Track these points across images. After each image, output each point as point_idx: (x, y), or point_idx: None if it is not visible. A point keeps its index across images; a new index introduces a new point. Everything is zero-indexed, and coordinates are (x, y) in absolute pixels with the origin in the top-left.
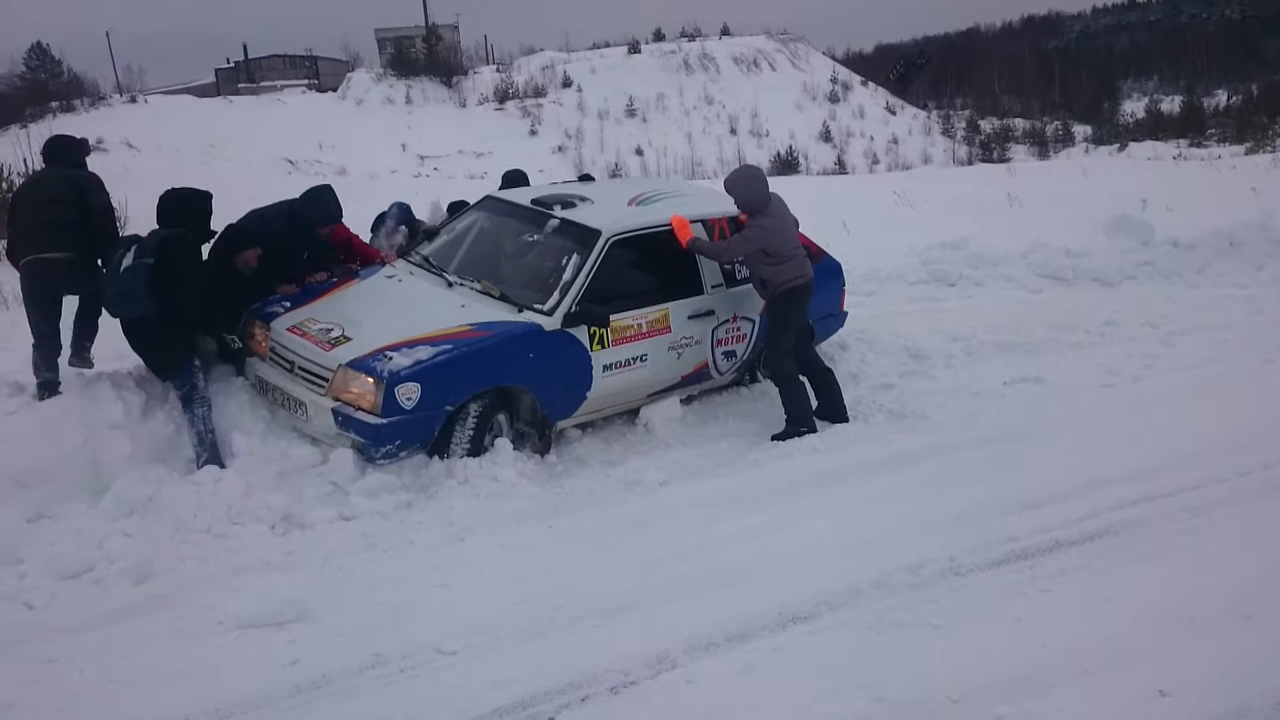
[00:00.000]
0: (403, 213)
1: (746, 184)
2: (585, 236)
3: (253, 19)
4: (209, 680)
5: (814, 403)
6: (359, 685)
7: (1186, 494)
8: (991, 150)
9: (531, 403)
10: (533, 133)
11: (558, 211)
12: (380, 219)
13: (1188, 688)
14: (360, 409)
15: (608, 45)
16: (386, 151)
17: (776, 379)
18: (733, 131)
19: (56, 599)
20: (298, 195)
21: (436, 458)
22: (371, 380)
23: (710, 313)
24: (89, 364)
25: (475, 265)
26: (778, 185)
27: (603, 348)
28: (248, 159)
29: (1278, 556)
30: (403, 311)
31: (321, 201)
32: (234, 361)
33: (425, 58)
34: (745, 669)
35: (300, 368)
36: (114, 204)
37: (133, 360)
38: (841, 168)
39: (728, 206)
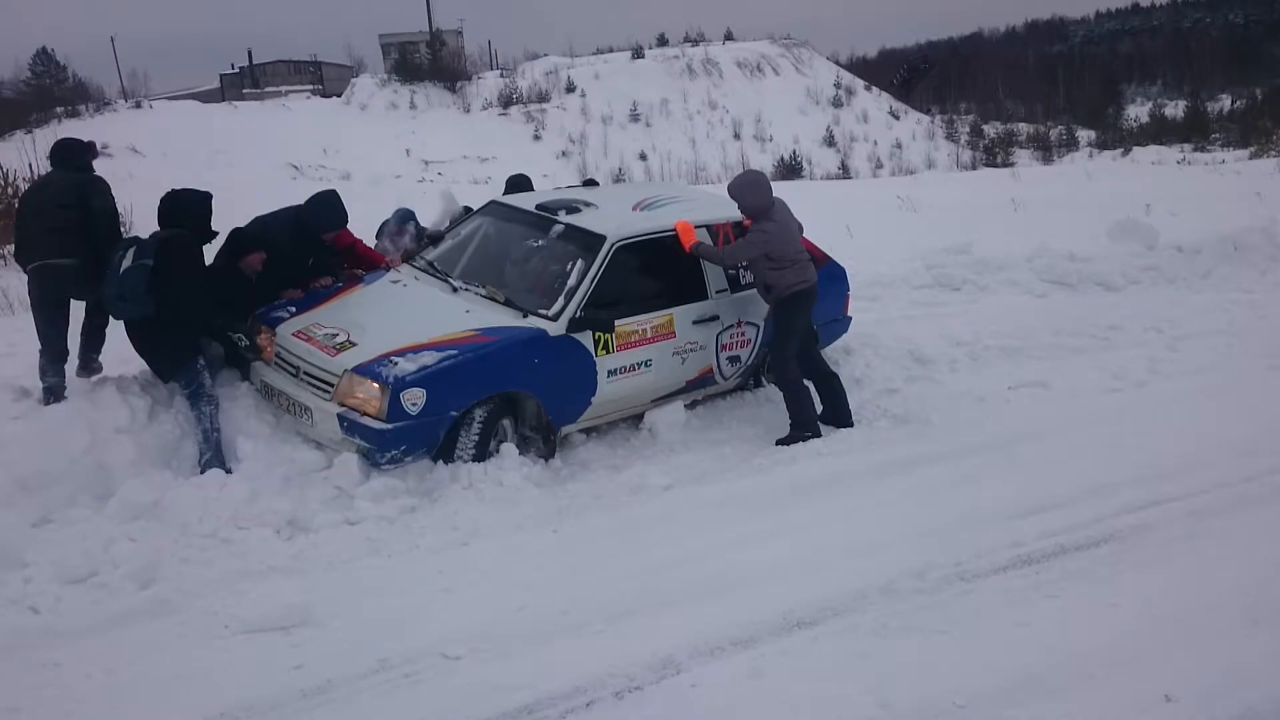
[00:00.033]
0: (406, 218)
1: (750, 189)
2: (590, 242)
3: (257, 25)
4: (214, 685)
5: (819, 407)
6: (363, 690)
7: (1192, 499)
8: (995, 155)
9: (536, 408)
10: (536, 137)
11: (562, 217)
12: (386, 225)
13: (1193, 693)
14: (365, 414)
15: (611, 50)
16: (390, 156)
17: (781, 383)
18: (736, 136)
19: (62, 603)
20: (303, 201)
21: (441, 462)
22: (377, 385)
23: (715, 318)
24: (97, 372)
25: (480, 270)
26: (781, 190)
27: (607, 353)
28: (252, 164)
29: None
30: (408, 316)
31: (327, 207)
32: (240, 367)
33: (429, 63)
34: (750, 674)
35: (305, 373)
36: (119, 209)
37: (138, 365)
38: (845, 172)
39: (732, 212)
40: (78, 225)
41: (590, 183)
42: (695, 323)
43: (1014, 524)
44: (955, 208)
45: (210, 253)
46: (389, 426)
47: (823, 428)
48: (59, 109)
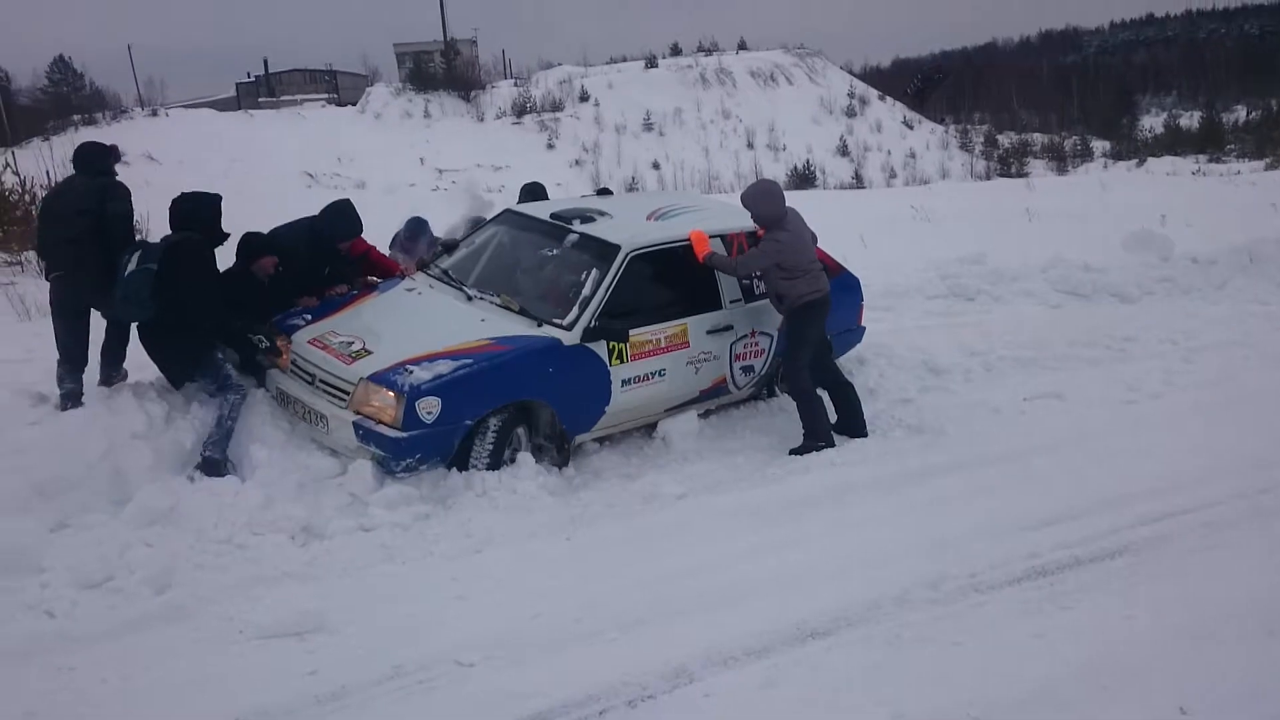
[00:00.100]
0: (417, 227)
1: (763, 198)
2: (605, 251)
3: (274, 34)
4: (228, 690)
5: (833, 417)
6: (377, 696)
7: (1207, 511)
8: (1010, 165)
9: (550, 417)
10: (550, 146)
11: (577, 226)
12: (397, 236)
13: (1208, 706)
14: (381, 422)
15: (625, 60)
16: (405, 165)
17: (794, 393)
18: (749, 145)
19: (78, 608)
20: (318, 211)
21: (455, 470)
22: (392, 394)
23: (729, 328)
24: (119, 381)
25: (494, 279)
26: (794, 199)
27: (621, 362)
28: (268, 172)
29: None
30: (423, 325)
31: (342, 216)
32: (255, 374)
33: (443, 72)
34: (764, 684)
35: (321, 380)
36: (136, 215)
37: (155, 371)
38: (859, 182)
39: (746, 221)
40: (95, 233)
41: (604, 192)
42: (709, 332)
43: (1029, 535)
44: (969, 218)
45: (224, 256)
46: (404, 435)
47: (837, 438)
48: (76, 117)
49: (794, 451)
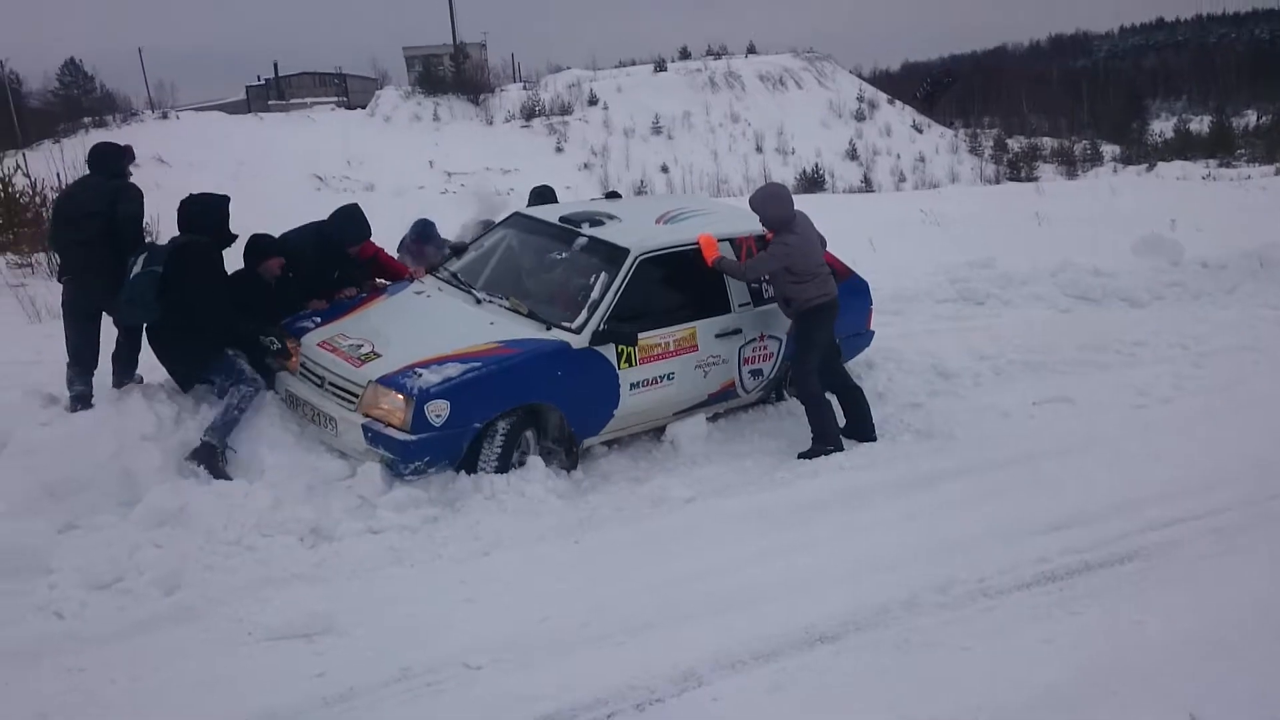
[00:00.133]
0: (423, 228)
1: (771, 201)
2: (614, 254)
3: (283, 37)
4: (237, 691)
5: (842, 421)
6: (386, 698)
7: (1217, 516)
8: (1019, 169)
9: (559, 420)
10: (559, 150)
11: (586, 229)
12: (404, 240)
13: (1218, 711)
14: (390, 425)
15: (634, 63)
16: (414, 168)
17: (803, 397)
18: (758, 149)
19: (87, 609)
20: (326, 216)
21: (464, 473)
22: (401, 397)
23: (737, 331)
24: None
25: (503, 282)
26: (804, 203)
27: (630, 366)
28: (277, 175)
29: None
30: (432, 328)
31: (351, 220)
32: (264, 376)
33: (453, 75)
34: (772, 688)
35: (330, 383)
36: (146, 217)
37: (165, 373)
38: (868, 185)
39: (755, 225)
40: (105, 236)
41: (613, 195)
42: (718, 336)
43: (1038, 540)
44: (979, 222)
45: (232, 258)
46: (413, 438)
47: (845, 441)
48: (86, 119)
49: (802, 455)
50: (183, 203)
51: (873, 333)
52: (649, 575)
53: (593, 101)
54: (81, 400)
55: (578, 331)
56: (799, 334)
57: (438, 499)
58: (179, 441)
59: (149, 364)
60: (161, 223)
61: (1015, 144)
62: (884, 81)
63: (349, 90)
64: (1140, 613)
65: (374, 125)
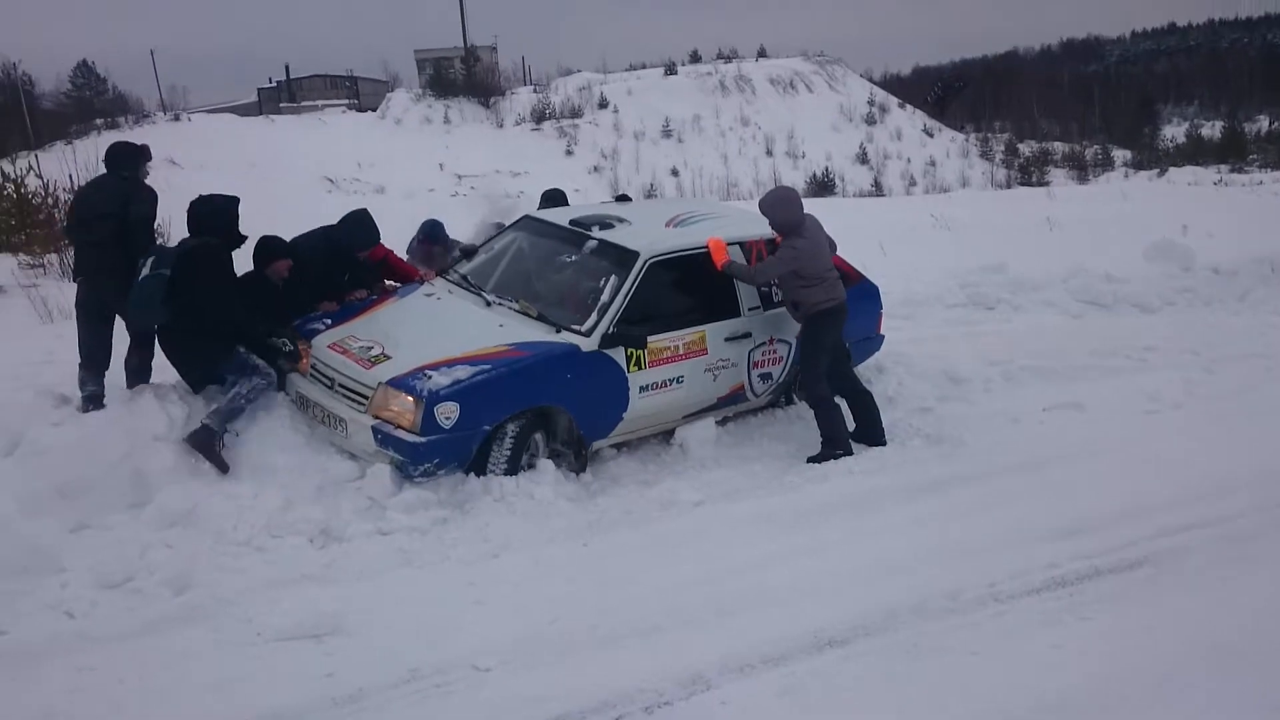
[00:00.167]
0: (431, 229)
1: (780, 205)
2: (623, 258)
3: (295, 40)
4: (246, 691)
5: (851, 425)
6: (394, 700)
7: (1229, 523)
8: (1030, 174)
9: (568, 422)
10: (569, 153)
11: (596, 232)
12: (411, 243)
13: (1229, 719)
14: (400, 427)
15: (644, 67)
16: (424, 170)
17: (811, 401)
18: (769, 153)
19: (97, 608)
20: (336, 219)
21: (473, 475)
22: (411, 399)
23: (747, 335)
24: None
25: (513, 285)
26: (814, 207)
27: (639, 369)
28: (288, 177)
29: None
30: (442, 330)
31: (360, 226)
32: (276, 377)
33: (463, 78)
34: (780, 692)
35: (340, 385)
36: (158, 219)
37: (176, 373)
38: (878, 189)
39: (765, 229)
40: (117, 238)
41: (623, 198)
42: (727, 340)
43: (1048, 545)
44: (990, 226)
45: (242, 259)
46: (423, 439)
47: (855, 446)
48: (99, 121)
49: (812, 459)
50: (192, 204)
51: (883, 337)
52: (658, 578)
53: (603, 105)
54: (93, 400)
55: (587, 334)
56: (807, 338)
57: (447, 501)
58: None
59: (160, 365)
60: (173, 224)
61: (1026, 148)
62: (895, 85)
63: (360, 93)
64: (1151, 619)
65: (385, 128)
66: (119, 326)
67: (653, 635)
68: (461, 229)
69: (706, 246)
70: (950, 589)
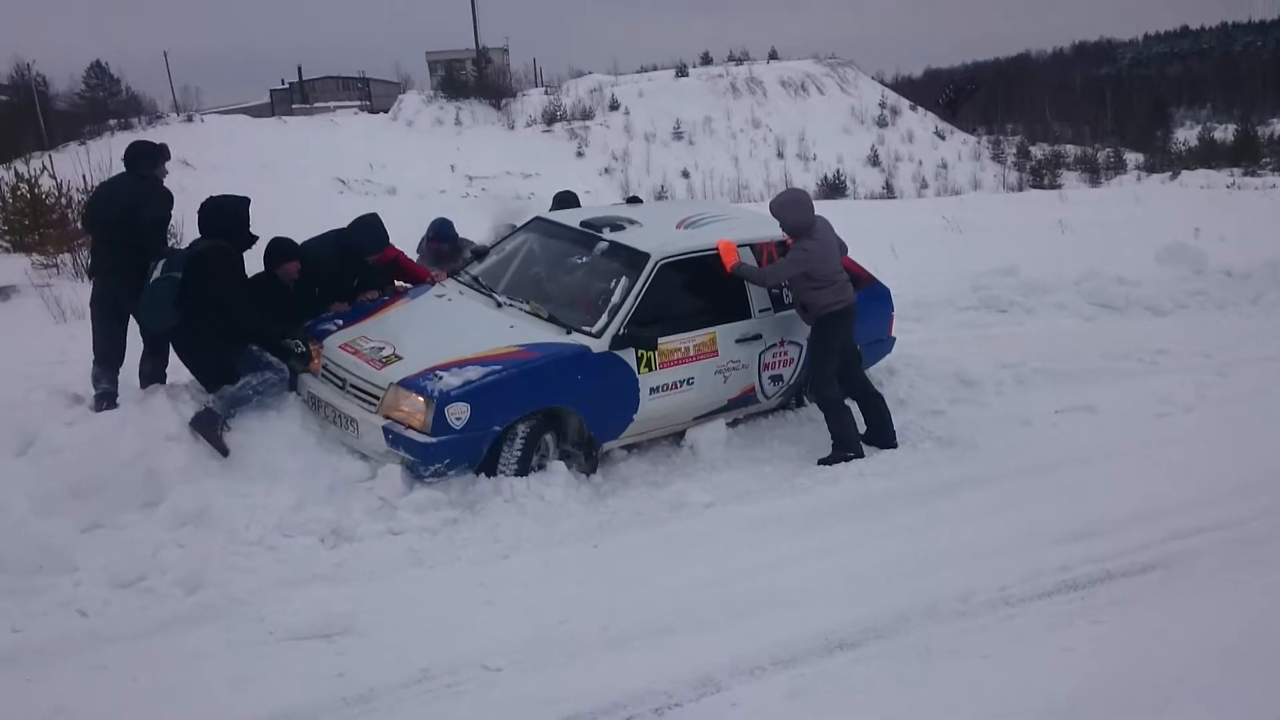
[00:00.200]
0: (441, 227)
1: (791, 207)
2: (634, 259)
3: (308, 42)
4: (258, 690)
5: (862, 428)
6: (405, 699)
7: (1241, 526)
8: (1042, 176)
9: (578, 424)
10: (579, 154)
11: (606, 234)
12: (421, 242)
13: None
14: (410, 427)
15: (655, 69)
16: (435, 172)
17: (821, 403)
18: (779, 155)
19: (110, 607)
20: (347, 222)
21: (483, 476)
22: (422, 399)
23: (758, 337)
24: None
25: (524, 286)
26: (825, 209)
27: (650, 370)
28: (300, 178)
29: None
30: (453, 331)
31: (369, 230)
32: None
33: (475, 80)
34: (790, 694)
35: (352, 385)
36: (172, 219)
37: (188, 373)
38: (890, 192)
39: (776, 231)
40: (128, 239)
41: (634, 200)
42: (738, 341)
43: (1060, 548)
44: (1001, 229)
45: (252, 260)
46: (433, 440)
47: (866, 448)
48: (112, 121)
49: (823, 461)
50: (203, 205)
51: (894, 339)
52: (668, 580)
53: (614, 106)
54: (107, 398)
55: (598, 335)
56: (815, 340)
57: (458, 501)
58: (203, 442)
59: (173, 366)
60: (185, 225)
61: (1038, 151)
62: (906, 88)
63: (372, 94)
64: (1162, 623)
65: (396, 129)
66: (133, 327)
67: (663, 637)
68: (472, 230)
69: (717, 248)
70: (961, 592)
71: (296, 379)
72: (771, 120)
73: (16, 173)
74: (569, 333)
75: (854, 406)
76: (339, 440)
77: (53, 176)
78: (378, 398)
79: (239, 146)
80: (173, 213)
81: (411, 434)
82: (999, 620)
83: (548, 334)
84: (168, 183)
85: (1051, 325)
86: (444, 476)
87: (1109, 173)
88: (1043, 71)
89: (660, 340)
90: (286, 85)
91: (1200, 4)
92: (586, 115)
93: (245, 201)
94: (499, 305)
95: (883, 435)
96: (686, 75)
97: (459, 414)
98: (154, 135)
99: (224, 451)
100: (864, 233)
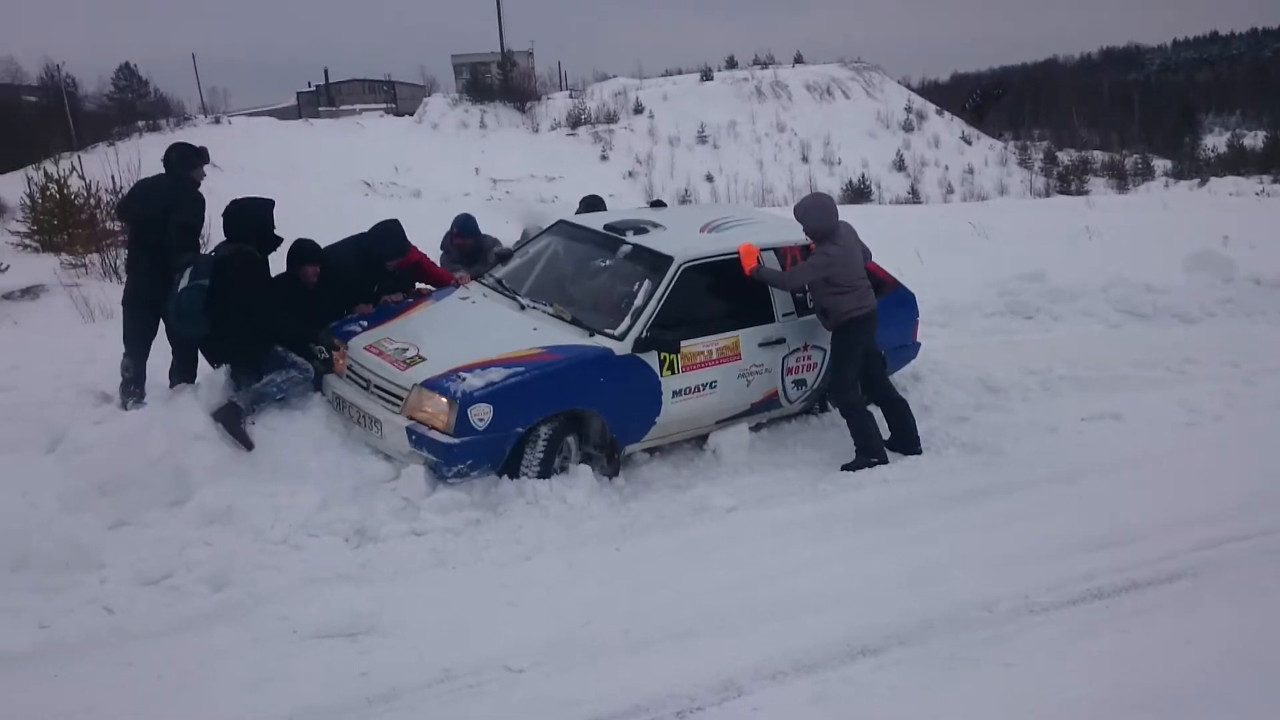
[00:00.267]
0: (464, 223)
1: (814, 211)
2: (658, 262)
3: (335, 45)
4: (282, 689)
5: (886, 433)
6: (428, 699)
7: (1268, 536)
8: (1069, 182)
9: (601, 426)
10: (604, 158)
11: (630, 237)
12: (448, 237)
13: None
14: (434, 428)
15: (680, 72)
16: (460, 174)
17: (842, 409)
18: (804, 159)
19: (136, 604)
20: (367, 229)
21: (506, 477)
22: (445, 400)
23: (781, 341)
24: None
25: (547, 289)
26: (849, 213)
27: (673, 373)
28: (326, 180)
29: None
30: (476, 333)
31: (390, 235)
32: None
33: (500, 83)
34: (812, 700)
35: (376, 386)
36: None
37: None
38: (915, 197)
39: (800, 235)
40: (157, 241)
41: (658, 204)
42: (761, 345)
43: (1085, 557)
44: (1028, 235)
45: (276, 262)
46: (456, 441)
47: (890, 454)
48: (140, 123)
49: (846, 467)
50: (227, 208)
51: (919, 344)
52: (690, 583)
53: (638, 110)
54: (133, 385)
55: (621, 338)
56: (836, 346)
57: (480, 502)
58: (230, 441)
59: (202, 369)
60: (213, 227)
61: (1065, 157)
62: (932, 92)
63: (398, 97)
64: (1188, 633)
65: (422, 132)
66: (160, 331)
67: (685, 640)
68: (497, 233)
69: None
70: (986, 599)
71: (321, 379)
72: (796, 124)
73: (46, 173)
74: (592, 335)
75: (877, 412)
76: (363, 441)
77: (81, 177)
78: (401, 398)
79: (265, 148)
80: (205, 216)
81: (435, 435)
82: (1023, 628)
83: (571, 336)
84: None
85: (1078, 332)
86: (467, 477)
87: (1136, 179)
88: (1070, 77)
89: (683, 343)
90: (313, 88)
91: (1230, 9)
92: (611, 119)
93: (269, 204)
94: (522, 308)
95: (906, 441)
96: (711, 79)
97: (482, 415)
98: (182, 137)
99: (248, 445)
100: (890, 238)
